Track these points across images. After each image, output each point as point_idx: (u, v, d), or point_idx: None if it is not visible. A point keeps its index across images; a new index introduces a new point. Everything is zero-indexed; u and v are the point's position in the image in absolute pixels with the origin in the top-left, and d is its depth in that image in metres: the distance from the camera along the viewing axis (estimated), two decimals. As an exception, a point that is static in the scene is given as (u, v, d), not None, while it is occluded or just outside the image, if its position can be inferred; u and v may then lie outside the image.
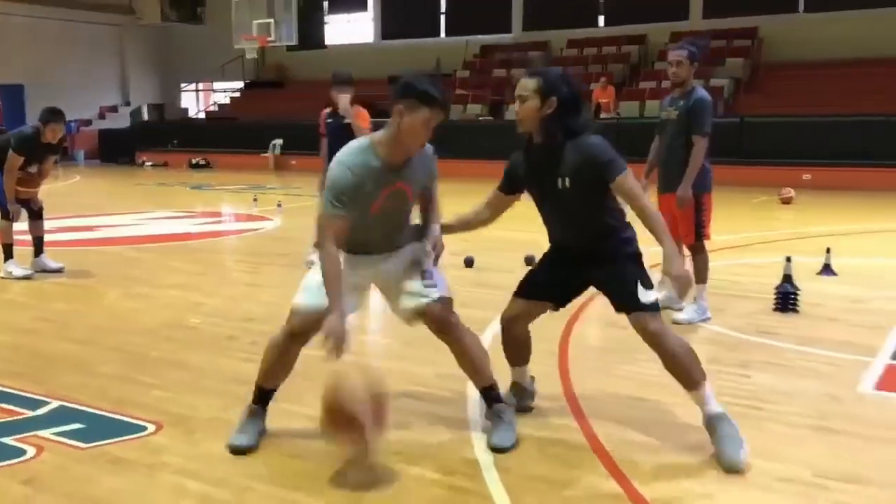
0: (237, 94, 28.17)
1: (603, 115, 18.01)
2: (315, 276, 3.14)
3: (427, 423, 3.56)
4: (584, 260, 3.32)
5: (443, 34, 25.32)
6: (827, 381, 4.10)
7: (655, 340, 3.17)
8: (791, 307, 5.43)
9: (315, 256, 3.16)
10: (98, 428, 3.51)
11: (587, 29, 22.78)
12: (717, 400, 3.22)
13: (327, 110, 7.07)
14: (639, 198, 3.17)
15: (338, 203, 3.03)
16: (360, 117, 6.79)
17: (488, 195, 3.52)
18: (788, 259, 5.55)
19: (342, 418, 2.82)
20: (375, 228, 3.23)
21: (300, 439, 3.38)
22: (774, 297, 5.50)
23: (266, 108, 24.65)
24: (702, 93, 5.13)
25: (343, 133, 6.75)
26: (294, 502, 2.83)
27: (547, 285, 3.45)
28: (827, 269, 6.68)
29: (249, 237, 9.95)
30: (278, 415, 3.45)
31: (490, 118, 20.33)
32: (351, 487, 2.90)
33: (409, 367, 4.27)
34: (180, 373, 4.29)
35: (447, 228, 3.50)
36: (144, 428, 3.50)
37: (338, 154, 3.13)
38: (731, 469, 3.03)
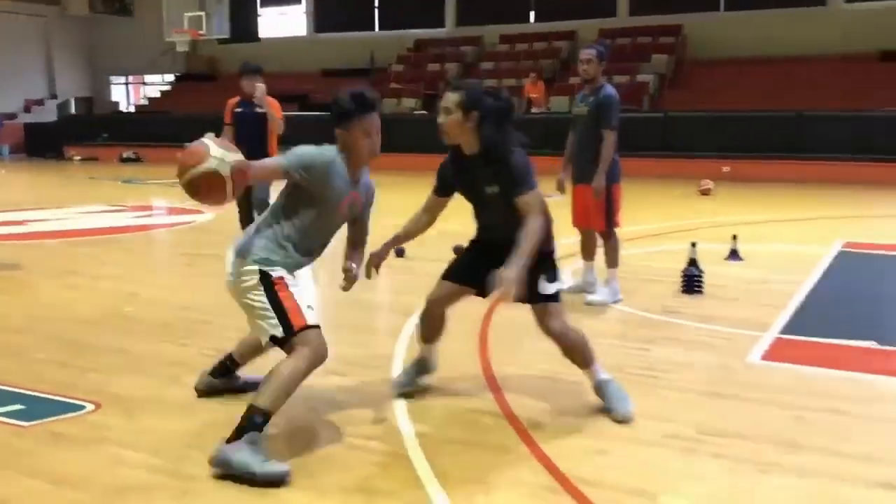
0: (168, 88, 27.87)
1: (534, 110, 18.45)
2: (301, 296, 3.21)
3: (355, 396, 3.83)
4: (503, 252, 3.61)
5: (377, 28, 25.49)
6: (720, 353, 4.51)
7: (552, 332, 3.54)
8: (696, 289, 5.86)
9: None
10: (38, 408, 3.68)
11: (519, 24, 23.24)
12: (620, 371, 3.59)
13: (236, 99, 7.12)
14: (529, 215, 3.32)
15: (300, 169, 3.16)
16: (275, 107, 6.92)
17: (425, 200, 3.76)
18: (693, 245, 5.97)
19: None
20: (331, 232, 3.42)
21: (235, 410, 3.61)
22: (681, 279, 5.93)
23: (198, 101, 24.43)
24: (609, 90, 5.49)
25: (256, 122, 6.88)
26: (228, 468, 3.06)
27: (469, 271, 3.73)
28: (734, 255, 7.16)
29: (183, 230, 10.03)
30: (214, 391, 3.67)
31: (424, 112, 20.59)
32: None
33: (341, 350, 4.52)
34: (117, 357, 4.46)
35: (397, 241, 3.76)
36: (83, 407, 3.69)
37: (319, 146, 3.29)
38: (624, 420, 3.44)
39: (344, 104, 3.27)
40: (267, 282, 3.18)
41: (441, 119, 3.46)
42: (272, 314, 3.14)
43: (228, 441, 2.98)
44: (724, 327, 5.01)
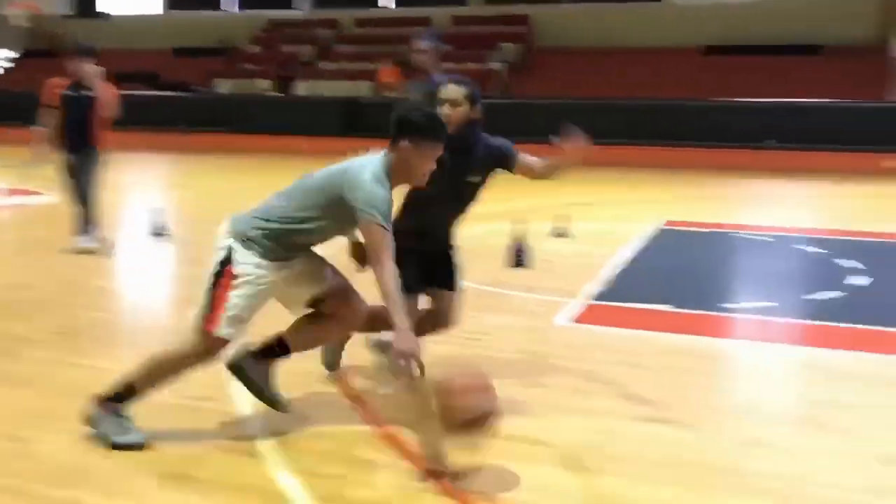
0: (11, 65, 26.35)
1: (387, 95, 18.76)
2: (240, 302, 3.03)
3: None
4: (435, 252, 3.78)
5: (232, 7, 25.08)
6: (536, 318, 5.02)
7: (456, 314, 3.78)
8: (521, 263, 6.39)
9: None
10: None
11: (375, 9, 23.49)
12: (449, 335, 3.94)
13: (65, 81, 6.79)
14: (538, 161, 3.90)
15: (387, 220, 2.96)
16: (109, 90, 6.74)
17: None
18: (518, 223, 6.49)
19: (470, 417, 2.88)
20: (319, 242, 3.26)
21: (72, 381, 3.76)
22: (508, 255, 6.45)
23: (41, 79, 23.29)
24: (440, 78, 5.88)
25: (86, 106, 6.65)
26: (71, 431, 3.20)
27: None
28: (562, 232, 7.77)
29: (21, 209, 9.75)
30: (57, 365, 3.80)
31: (279, 94, 20.53)
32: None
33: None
34: (-49, 335, 4.48)
35: None
36: (-83, 382, 3.74)
37: (368, 169, 3.03)
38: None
39: (422, 120, 3.13)
40: (220, 269, 3.06)
41: (447, 111, 3.59)
42: (206, 297, 3.06)
43: (97, 401, 3.09)
44: (544, 296, 5.54)
